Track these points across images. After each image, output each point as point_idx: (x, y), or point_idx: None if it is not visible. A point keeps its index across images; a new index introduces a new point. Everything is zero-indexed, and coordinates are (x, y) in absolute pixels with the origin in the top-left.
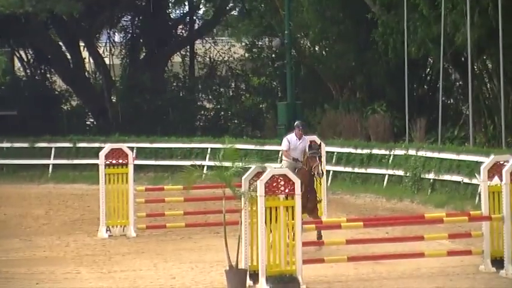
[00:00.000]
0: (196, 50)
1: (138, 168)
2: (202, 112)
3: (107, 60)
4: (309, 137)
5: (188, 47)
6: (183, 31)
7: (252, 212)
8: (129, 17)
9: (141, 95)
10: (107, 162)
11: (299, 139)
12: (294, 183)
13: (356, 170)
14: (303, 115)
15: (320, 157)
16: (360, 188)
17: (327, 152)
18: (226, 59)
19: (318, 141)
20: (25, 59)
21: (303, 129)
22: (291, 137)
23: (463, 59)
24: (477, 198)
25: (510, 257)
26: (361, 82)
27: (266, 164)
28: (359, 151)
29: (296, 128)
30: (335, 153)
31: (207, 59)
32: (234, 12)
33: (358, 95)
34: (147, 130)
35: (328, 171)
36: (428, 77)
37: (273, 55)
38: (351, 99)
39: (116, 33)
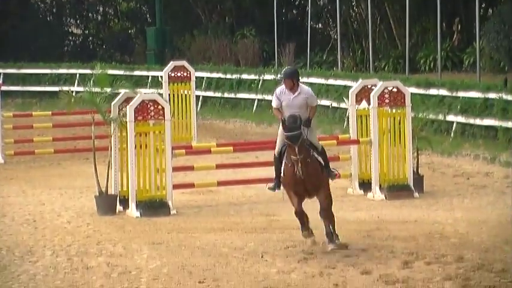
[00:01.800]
0: None
1: (5, 94)
2: (70, 38)
3: None
4: (306, 87)
5: None
6: None
7: (121, 138)
8: None
9: (7, 20)
10: None
11: (292, 92)
12: (163, 107)
13: (226, 95)
14: (172, 41)
15: (302, 142)
16: (229, 113)
17: (197, 78)
18: None
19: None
20: None
21: (295, 79)
22: (281, 89)
23: None
24: (345, 122)
25: (377, 179)
26: (230, 7)
27: (136, 90)
28: (228, 76)
29: (284, 79)
30: (204, 79)
31: None
32: None
33: (227, 20)
34: (14, 56)
35: (198, 97)
36: (297, 2)
37: None
38: (219, 25)
39: None
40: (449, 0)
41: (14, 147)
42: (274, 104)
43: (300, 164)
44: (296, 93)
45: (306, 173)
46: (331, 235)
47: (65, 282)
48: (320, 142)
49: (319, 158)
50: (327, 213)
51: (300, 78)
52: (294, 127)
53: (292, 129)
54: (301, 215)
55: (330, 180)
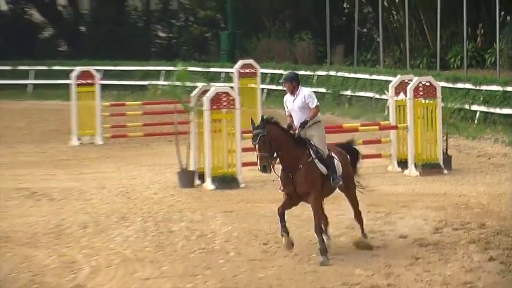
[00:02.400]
0: None
1: (104, 87)
2: (157, 40)
3: None
4: (306, 89)
5: None
6: None
7: (199, 124)
8: None
9: (106, 25)
10: (78, 82)
11: (293, 95)
12: (234, 98)
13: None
14: (241, 43)
15: (265, 144)
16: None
17: (262, 74)
18: None
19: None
20: None
21: (294, 82)
22: (286, 96)
23: None
24: (386, 111)
25: (413, 159)
26: (289, 14)
27: (211, 84)
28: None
29: (284, 83)
30: (268, 74)
31: None
32: None
33: (287, 25)
34: (111, 55)
35: (262, 89)
36: (346, 10)
37: None
38: (281, 29)
39: None
40: (474, 8)
41: (111, 131)
42: (286, 112)
43: (259, 160)
44: (296, 96)
45: (295, 178)
46: (322, 243)
47: (152, 243)
48: (365, 127)
49: (319, 165)
50: (316, 220)
51: (300, 82)
52: (256, 127)
53: (254, 129)
54: (282, 216)
55: (357, 183)
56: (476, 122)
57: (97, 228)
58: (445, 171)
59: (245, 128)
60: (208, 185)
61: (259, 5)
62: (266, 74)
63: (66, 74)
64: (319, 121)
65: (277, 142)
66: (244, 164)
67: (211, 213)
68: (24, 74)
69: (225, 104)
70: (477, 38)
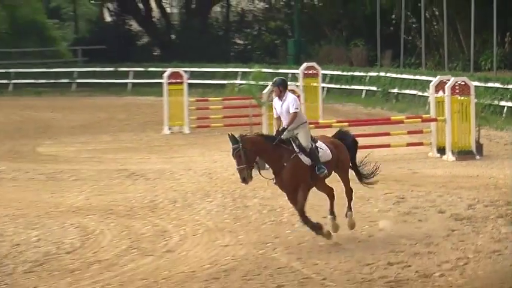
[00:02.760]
0: (231, 1)
1: (190, 85)
2: (235, 46)
3: (168, 9)
4: (292, 95)
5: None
6: None
7: (270, 116)
8: None
9: (192, 34)
10: (169, 81)
11: (280, 99)
12: (299, 95)
13: (343, 86)
14: (305, 48)
15: (240, 158)
16: (345, 99)
17: (323, 74)
18: (252, 8)
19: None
20: (111, 9)
21: (281, 87)
22: (275, 100)
23: (419, 4)
24: (427, 106)
25: (450, 146)
26: (346, 24)
27: None
28: (345, 73)
29: (273, 87)
30: (328, 75)
31: (239, 8)
32: None
33: (344, 34)
34: (196, 59)
35: (323, 88)
36: (394, 21)
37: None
38: (339, 37)
39: None
40: (503, 18)
41: (196, 122)
42: (274, 114)
43: (238, 173)
44: (283, 101)
45: (282, 175)
46: (311, 226)
47: (230, 216)
48: (409, 120)
49: (303, 157)
50: (298, 210)
51: (288, 87)
52: (233, 142)
53: (232, 143)
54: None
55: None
56: (504, 115)
57: (184, 203)
58: (477, 157)
59: (308, 120)
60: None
61: (321, 17)
62: (326, 74)
63: (159, 75)
64: (305, 122)
65: (255, 151)
66: None
67: (280, 191)
68: (125, 75)
69: None
70: (505, 44)
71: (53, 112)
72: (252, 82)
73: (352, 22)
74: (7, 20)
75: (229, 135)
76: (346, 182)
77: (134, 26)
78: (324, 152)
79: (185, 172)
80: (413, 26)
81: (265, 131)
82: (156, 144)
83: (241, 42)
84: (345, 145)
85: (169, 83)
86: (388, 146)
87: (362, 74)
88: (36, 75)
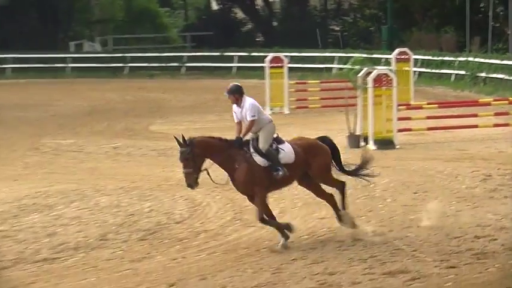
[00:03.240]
0: None
1: (290, 69)
2: (331, 33)
3: None
4: (249, 100)
5: None
6: None
7: (364, 98)
8: None
9: (292, 21)
10: (270, 65)
11: (239, 106)
12: (392, 78)
13: (433, 70)
14: (398, 34)
15: (187, 161)
16: (435, 82)
17: (414, 59)
18: None
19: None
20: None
21: (236, 94)
22: (234, 106)
23: None
24: None
25: None
26: (436, 12)
27: (374, 67)
28: (435, 58)
29: (228, 96)
30: (419, 60)
31: None
32: None
33: (434, 21)
34: (296, 44)
35: (414, 72)
36: (482, 9)
37: None
38: (429, 24)
39: None
40: None
41: (295, 103)
42: (235, 119)
43: (184, 177)
44: (242, 107)
45: (235, 177)
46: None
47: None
48: (496, 102)
49: (258, 158)
50: (258, 212)
51: (243, 92)
52: (180, 145)
53: (180, 146)
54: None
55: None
56: None
57: None
58: None
59: (400, 102)
60: (371, 146)
61: (413, 5)
62: (417, 59)
63: (261, 59)
64: (268, 122)
65: (205, 155)
66: (399, 130)
67: (373, 168)
68: (230, 59)
69: (384, 83)
70: None
71: (164, 93)
72: (349, 66)
73: (442, 10)
74: (124, 9)
75: (176, 138)
76: (322, 186)
77: (239, 14)
78: (286, 153)
79: None
80: (501, 13)
81: (359, 113)
82: None
83: (337, 28)
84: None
85: (271, 67)
86: (475, 126)
87: (451, 58)
88: (149, 59)
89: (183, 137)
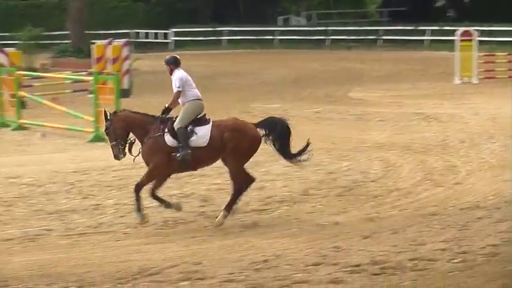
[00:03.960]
0: None
1: (479, 42)
2: None
3: None
4: (178, 73)
5: None
6: None
7: None
8: None
9: None
10: (460, 38)
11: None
12: None
13: None
14: None
15: (110, 135)
16: None
17: None
18: None
19: None
20: None
21: (171, 65)
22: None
23: None
24: None
25: None
26: None
27: None
28: None
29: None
30: None
31: None
32: None
33: None
34: (486, 19)
35: None
36: None
37: None
38: None
39: None
40: None
41: (484, 74)
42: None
43: (111, 150)
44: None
45: (142, 150)
46: (137, 202)
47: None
48: None
49: (168, 138)
50: (140, 182)
51: (179, 64)
52: (105, 120)
53: (105, 121)
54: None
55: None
56: None
57: (471, 143)
58: None
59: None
60: None
61: None
62: None
63: (452, 33)
64: (192, 100)
65: (125, 128)
66: None
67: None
68: (422, 32)
69: None
70: None
71: (361, 64)
72: None
73: None
74: None
75: (104, 112)
76: (233, 174)
77: None
78: (199, 137)
79: (473, 117)
80: None
81: None
82: (448, 92)
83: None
84: (273, 134)
85: (461, 40)
86: None
87: None
88: (348, 32)
89: (105, 113)
